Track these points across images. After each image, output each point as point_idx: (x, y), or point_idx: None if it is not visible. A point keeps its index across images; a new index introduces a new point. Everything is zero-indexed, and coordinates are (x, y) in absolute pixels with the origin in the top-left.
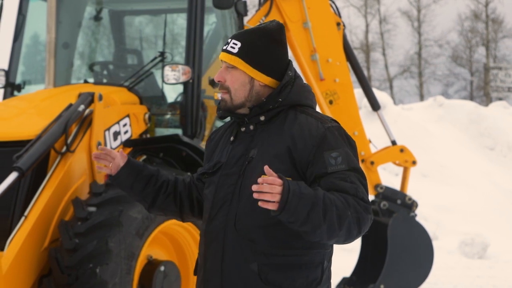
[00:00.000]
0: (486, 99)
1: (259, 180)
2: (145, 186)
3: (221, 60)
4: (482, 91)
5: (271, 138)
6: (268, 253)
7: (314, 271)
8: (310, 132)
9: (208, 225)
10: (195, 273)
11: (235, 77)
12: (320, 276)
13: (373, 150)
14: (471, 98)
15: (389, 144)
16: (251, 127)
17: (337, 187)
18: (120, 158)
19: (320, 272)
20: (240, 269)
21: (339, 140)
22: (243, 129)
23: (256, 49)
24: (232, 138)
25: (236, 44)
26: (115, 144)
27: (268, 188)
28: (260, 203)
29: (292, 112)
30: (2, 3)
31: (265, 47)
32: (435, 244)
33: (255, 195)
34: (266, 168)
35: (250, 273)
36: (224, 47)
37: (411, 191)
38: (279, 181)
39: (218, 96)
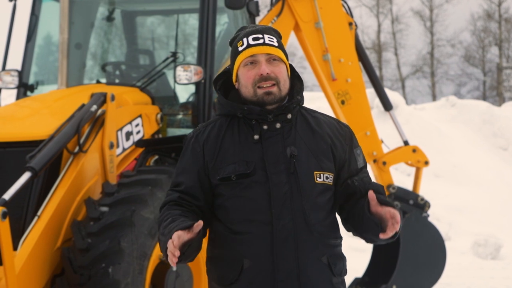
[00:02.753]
0: (499, 99)
1: (395, 217)
2: (198, 247)
3: (255, 55)
4: (495, 91)
5: (304, 136)
6: (332, 244)
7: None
8: (339, 131)
9: (274, 225)
10: (231, 280)
11: (282, 69)
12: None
13: (385, 150)
14: (484, 98)
15: (401, 144)
16: (278, 125)
17: (374, 188)
18: (183, 235)
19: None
20: (314, 264)
21: (356, 138)
22: (265, 127)
23: (283, 46)
24: (257, 137)
25: (272, 38)
26: (128, 144)
27: (400, 222)
28: (384, 235)
29: (304, 111)
30: (15, 4)
31: (283, 46)
32: (448, 244)
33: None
34: (370, 193)
35: (322, 266)
36: (260, 41)
37: (424, 192)
38: (399, 214)
39: None
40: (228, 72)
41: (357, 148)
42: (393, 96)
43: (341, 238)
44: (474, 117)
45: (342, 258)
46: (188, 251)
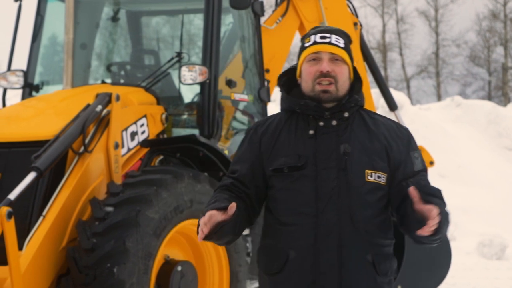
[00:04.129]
0: (504, 99)
1: (431, 213)
2: (236, 228)
3: (319, 52)
4: (501, 91)
5: (360, 135)
6: (379, 244)
7: (396, 259)
8: (397, 134)
9: (318, 218)
10: (277, 269)
11: (343, 70)
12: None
13: None
14: (489, 98)
15: None
16: (334, 122)
17: (429, 190)
18: (217, 215)
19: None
20: (357, 261)
21: (415, 141)
22: (321, 123)
23: (350, 49)
24: (312, 132)
25: (339, 39)
26: (132, 144)
27: (437, 219)
28: (421, 231)
29: (363, 113)
30: (20, 4)
31: (350, 49)
32: (453, 245)
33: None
34: (411, 190)
35: (366, 263)
36: (326, 40)
37: None
38: (438, 210)
39: (235, 96)
40: (293, 69)
41: (415, 152)
42: (398, 96)
43: (392, 239)
44: (480, 117)
45: (389, 259)
46: (220, 231)
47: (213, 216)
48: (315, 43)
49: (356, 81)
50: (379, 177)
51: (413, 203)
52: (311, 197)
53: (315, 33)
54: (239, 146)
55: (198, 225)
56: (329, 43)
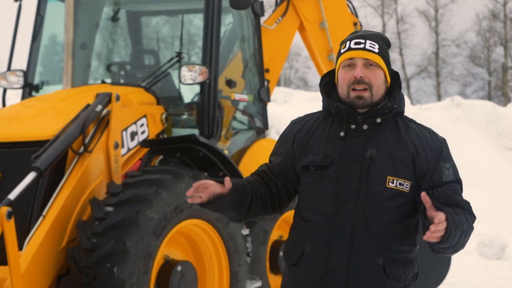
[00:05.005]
0: (504, 99)
1: (424, 198)
2: (240, 206)
3: (353, 58)
4: (500, 91)
5: (390, 141)
6: (393, 249)
7: (415, 266)
8: (428, 143)
9: (334, 218)
10: (294, 262)
11: (378, 75)
12: (417, 270)
13: None
14: (489, 98)
15: None
16: (365, 127)
17: (454, 201)
18: (216, 186)
19: (416, 266)
20: (367, 263)
21: (449, 153)
22: (353, 126)
23: (387, 54)
24: (342, 134)
25: (374, 45)
26: (132, 144)
27: (441, 225)
28: (425, 237)
29: (400, 119)
30: (20, 4)
31: (388, 53)
32: None
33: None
34: (423, 195)
35: (376, 267)
36: (360, 46)
37: None
38: (444, 216)
39: (235, 96)
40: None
41: (447, 162)
42: None
43: (411, 245)
44: (479, 117)
45: (404, 265)
46: (217, 202)
47: (211, 185)
48: (349, 49)
49: (396, 86)
50: (401, 184)
51: (426, 210)
52: (330, 197)
53: (351, 39)
54: (278, 138)
55: None
56: (363, 48)
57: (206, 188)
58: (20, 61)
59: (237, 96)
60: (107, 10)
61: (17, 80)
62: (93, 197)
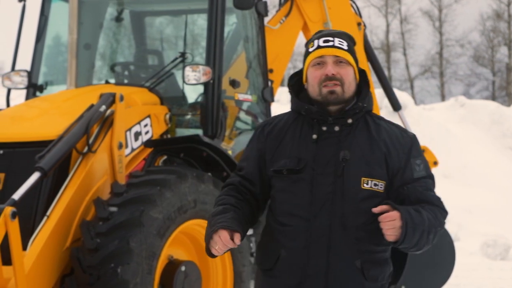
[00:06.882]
0: (508, 99)
1: (375, 210)
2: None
3: (323, 56)
4: (504, 91)
5: (362, 142)
6: (370, 250)
7: (391, 265)
8: (399, 140)
9: (311, 222)
10: (269, 266)
11: (348, 72)
12: (393, 269)
13: None
14: (493, 98)
15: None
16: (336, 128)
17: (425, 198)
18: (228, 238)
19: (391, 265)
20: (345, 266)
21: (419, 148)
22: (324, 128)
23: (355, 51)
24: (315, 137)
25: (343, 42)
26: (136, 144)
27: (391, 224)
28: (385, 236)
29: (369, 118)
30: (24, 5)
31: (355, 51)
32: (457, 245)
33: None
34: (375, 210)
35: (354, 269)
36: (329, 43)
37: None
38: (398, 214)
39: (239, 96)
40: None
41: (417, 159)
42: (402, 96)
43: (386, 245)
44: (483, 117)
45: (381, 265)
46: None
47: (226, 240)
48: (318, 47)
49: (364, 85)
50: (376, 184)
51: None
52: (306, 201)
53: (318, 38)
54: (247, 143)
55: (208, 235)
56: (332, 46)
57: (223, 243)
58: (24, 62)
59: (241, 96)
60: (111, 10)
61: (21, 80)
62: (97, 197)
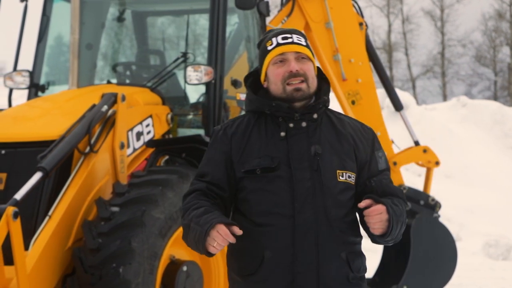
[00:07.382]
0: (510, 99)
1: (361, 205)
2: None
3: (285, 53)
4: (506, 91)
5: (329, 136)
6: (352, 242)
7: (365, 256)
8: (362, 134)
9: (295, 218)
10: (251, 271)
11: (310, 67)
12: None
13: (395, 150)
14: (495, 98)
15: (412, 144)
16: (304, 124)
17: (391, 190)
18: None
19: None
20: (333, 259)
21: (379, 141)
22: (291, 125)
23: (310, 46)
24: (283, 134)
25: (300, 38)
26: (138, 144)
27: (378, 218)
28: (371, 230)
29: (330, 113)
30: (26, 5)
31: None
32: (458, 245)
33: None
34: (360, 205)
35: (341, 262)
36: (289, 40)
37: (434, 192)
38: (384, 207)
39: (241, 96)
40: (256, 72)
41: (379, 151)
42: (404, 96)
43: (361, 237)
44: (485, 117)
45: (361, 256)
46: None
47: (226, 234)
48: (278, 44)
49: (323, 81)
50: (349, 177)
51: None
52: (287, 198)
53: (275, 35)
54: (208, 148)
55: (202, 234)
56: (292, 42)
57: (223, 238)
58: (26, 62)
59: (242, 96)
60: (113, 11)
61: (23, 80)
62: (99, 197)
